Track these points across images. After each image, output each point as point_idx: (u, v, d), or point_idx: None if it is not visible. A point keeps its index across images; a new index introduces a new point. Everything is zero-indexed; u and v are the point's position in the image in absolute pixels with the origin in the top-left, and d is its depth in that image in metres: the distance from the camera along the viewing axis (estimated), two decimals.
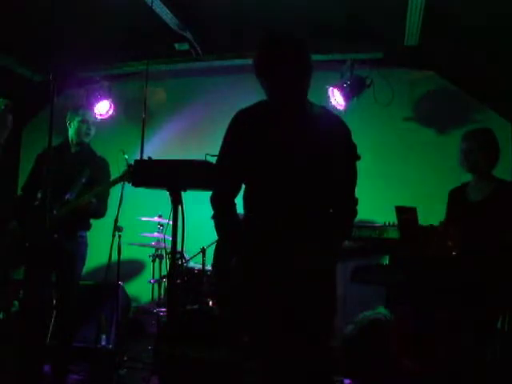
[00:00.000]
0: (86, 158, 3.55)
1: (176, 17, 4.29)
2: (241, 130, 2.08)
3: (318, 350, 1.98)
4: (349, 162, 2.08)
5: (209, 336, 3.35)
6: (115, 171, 3.52)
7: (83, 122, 3.55)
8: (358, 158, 2.10)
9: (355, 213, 2.10)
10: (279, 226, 1.99)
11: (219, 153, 2.14)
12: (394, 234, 3.70)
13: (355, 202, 2.11)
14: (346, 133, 2.09)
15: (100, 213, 3.50)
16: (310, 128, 2.03)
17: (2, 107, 3.22)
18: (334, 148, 2.02)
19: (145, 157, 2.64)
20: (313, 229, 1.99)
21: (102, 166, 3.60)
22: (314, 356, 1.95)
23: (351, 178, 2.10)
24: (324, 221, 2.03)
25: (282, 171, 2.00)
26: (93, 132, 3.63)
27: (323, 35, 4.36)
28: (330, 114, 2.14)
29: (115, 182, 3.37)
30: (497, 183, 3.01)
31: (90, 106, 4.53)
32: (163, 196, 2.50)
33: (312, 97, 2.15)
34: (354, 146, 2.09)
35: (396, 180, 4.76)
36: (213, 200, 2.13)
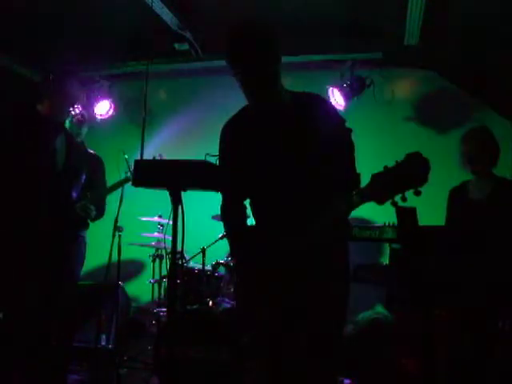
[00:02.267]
0: (82, 157, 3.55)
1: (176, 17, 4.29)
2: (228, 141, 2.11)
3: (321, 350, 1.96)
4: (339, 137, 1.99)
5: (209, 336, 3.35)
6: (115, 171, 3.52)
7: (73, 122, 3.53)
8: (349, 130, 2.01)
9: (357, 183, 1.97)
10: (280, 222, 1.97)
11: (217, 167, 2.19)
12: (393, 234, 3.70)
13: (357, 176, 2.02)
14: (328, 109, 2.03)
15: (99, 215, 3.49)
16: (291, 116, 1.98)
17: None
18: (319, 129, 1.94)
19: (147, 156, 2.65)
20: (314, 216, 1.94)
21: (98, 165, 3.60)
22: (317, 356, 1.94)
23: (347, 152, 2.01)
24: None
25: (273, 169, 1.97)
26: (83, 132, 3.59)
27: (323, 35, 4.36)
28: (308, 97, 2.06)
29: (117, 186, 3.39)
30: (497, 181, 3.01)
31: (88, 106, 4.52)
32: (163, 196, 2.50)
33: None
34: (340, 121, 2.02)
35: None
36: (220, 210, 2.20)
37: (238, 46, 1.89)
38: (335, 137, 1.97)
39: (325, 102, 2.07)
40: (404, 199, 1.70)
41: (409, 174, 1.65)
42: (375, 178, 1.72)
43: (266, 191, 2.02)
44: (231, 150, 2.10)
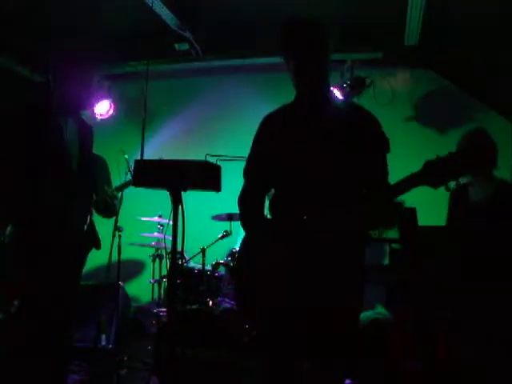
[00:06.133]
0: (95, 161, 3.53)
1: (176, 17, 4.29)
2: (267, 130, 2.10)
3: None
4: (379, 155, 2.05)
5: (209, 336, 3.35)
6: (115, 171, 3.52)
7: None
8: (388, 150, 2.06)
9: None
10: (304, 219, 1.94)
11: (248, 155, 2.15)
12: (394, 234, 3.70)
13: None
14: (376, 125, 2.06)
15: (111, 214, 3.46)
16: (339, 116, 2.01)
17: None
18: (364, 141, 1.98)
19: (147, 156, 2.64)
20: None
21: (102, 165, 3.59)
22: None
23: (383, 161, 2.09)
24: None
25: (306, 169, 1.97)
26: None
27: None
28: (355, 107, 2.14)
29: (119, 189, 3.37)
30: (498, 183, 3.01)
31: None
32: (163, 196, 2.50)
33: None
34: (386, 140, 2.05)
35: (396, 180, 4.75)
36: (239, 200, 2.17)
37: (305, 30, 2.05)
38: (375, 155, 2.04)
39: (376, 120, 2.09)
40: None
41: (466, 161, 1.77)
42: (429, 164, 1.82)
43: (301, 184, 1.99)
44: (271, 140, 2.07)
